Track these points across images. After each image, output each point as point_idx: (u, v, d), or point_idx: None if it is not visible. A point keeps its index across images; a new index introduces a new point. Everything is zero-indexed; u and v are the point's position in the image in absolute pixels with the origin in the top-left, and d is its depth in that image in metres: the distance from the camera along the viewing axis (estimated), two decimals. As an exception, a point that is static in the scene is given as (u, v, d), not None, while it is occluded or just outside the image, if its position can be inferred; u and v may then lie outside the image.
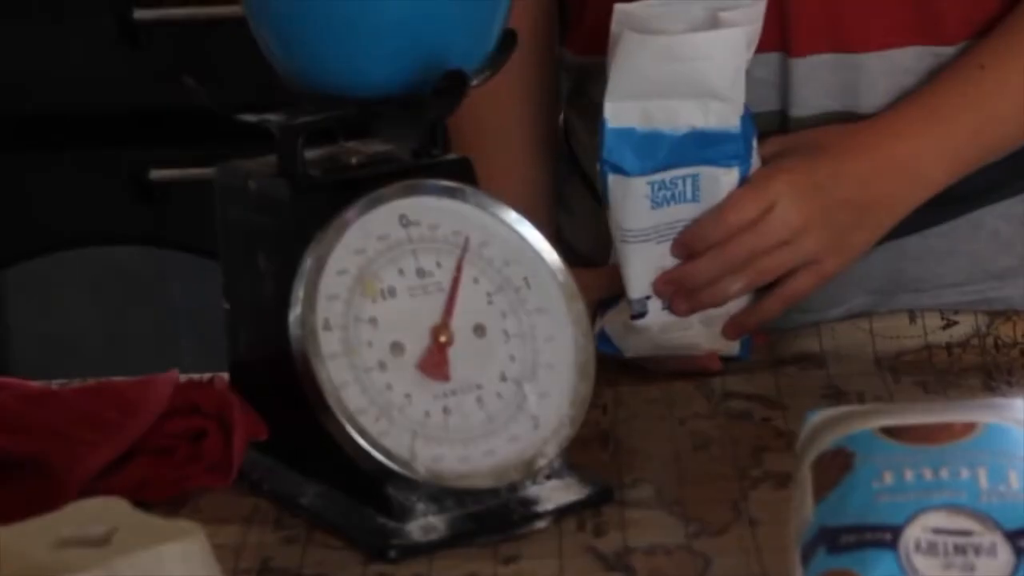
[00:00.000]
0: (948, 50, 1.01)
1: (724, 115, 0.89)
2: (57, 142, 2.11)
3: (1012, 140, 1.00)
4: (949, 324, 1.01)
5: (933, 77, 0.99)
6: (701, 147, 0.88)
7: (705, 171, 0.87)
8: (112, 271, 2.26)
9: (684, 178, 0.88)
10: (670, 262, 0.90)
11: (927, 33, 1.00)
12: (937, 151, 0.98)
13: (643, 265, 0.90)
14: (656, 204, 0.88)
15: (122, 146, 2.08)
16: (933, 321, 1.01)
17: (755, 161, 0.90)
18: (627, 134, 0.88)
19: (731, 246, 0.89)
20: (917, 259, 1.02)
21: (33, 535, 0.60)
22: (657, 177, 0.87)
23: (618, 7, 0.89)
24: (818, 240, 0.91)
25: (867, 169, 0.95)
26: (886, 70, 1.01)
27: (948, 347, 1.00)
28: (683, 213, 0.89)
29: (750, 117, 0.90)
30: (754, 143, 0.90)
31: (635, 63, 0.89)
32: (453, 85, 0.74)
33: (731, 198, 0.88)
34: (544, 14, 1.10)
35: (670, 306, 0.90)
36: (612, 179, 0.88)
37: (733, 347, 0.94)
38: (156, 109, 1.99)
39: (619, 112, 0.88)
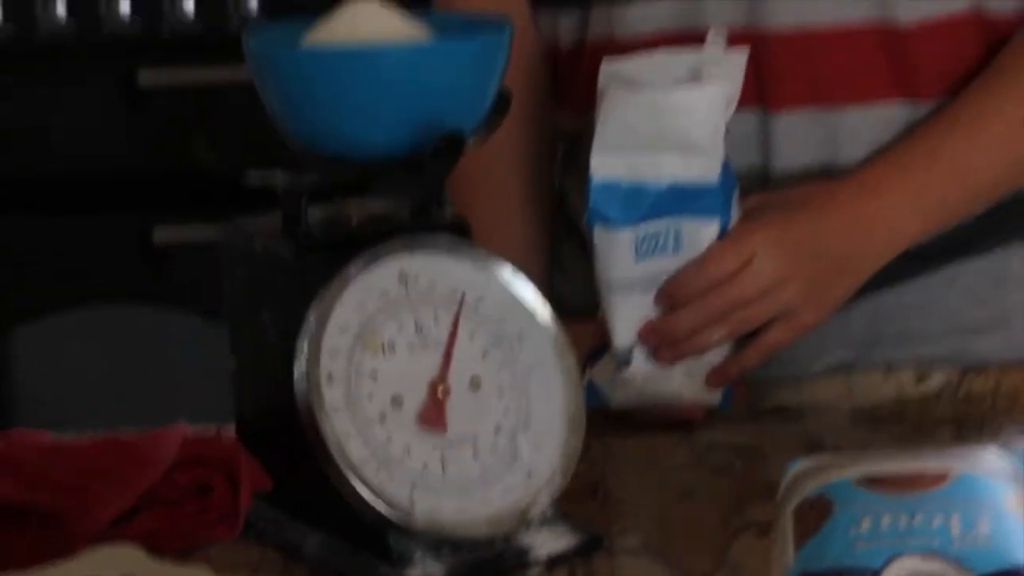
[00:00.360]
0: (926, 103, 1.03)
1: (705, 169, 0.90)
2: (62, 203, 2.12)
3: (985, 197, 1.02)
4: (923, 378, 1.02)
5: (909, 132, 1.02)
6: (683, 200, 0.89)
7: (687, 223, 0.89)
8: (117, 329, 2.27)
9: (667, 230, 0.89)
10: (654, 312, 0.91)
11: (905, 86, 1.02)
12: (911, 207, 0.99)
13: (628, 315, 0.91)
14: (640, 255, 0.89)
15: (126, 207, 2.08)
16: (907, 375, 1.02)
17: (735, 214, 0.91)
18: (612, 187, 0.89)
19: (711, 297, 0.90)
20: (893, 314, 1.04)
21: (60, 573, 0.66)
22: (641, 229, 0.89)
23: (605, 65, 0.92)
24: (796, 292, 0.92)
25: (843, 224, 0.97)
26: (866, 124, 1.03)
27: (922, 400, 1.01)
28: (666, 264, 0.89)
29: (730, 171, 0.91)
30: (735, 197, 0.92)
31: (620, 117, 0.90)
32: (450, 146, 0.75)
33: (712, 250, 0.90)
34: (537, 77, 1.13)
35: (654, 355, 0.91)
36: (598, 230, 0.89)
37: (715, 397, 0.95)
38: (160, 171, 2.02)
39: (605, 164, 0.89)
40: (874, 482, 0.64)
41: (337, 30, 0.77)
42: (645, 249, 0.90)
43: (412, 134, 0.75)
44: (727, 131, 0.92)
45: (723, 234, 0.91)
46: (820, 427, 0.97)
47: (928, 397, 1.03)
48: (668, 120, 0.90)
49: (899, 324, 1.05)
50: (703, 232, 0.89)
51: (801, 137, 1.02)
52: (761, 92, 1.01)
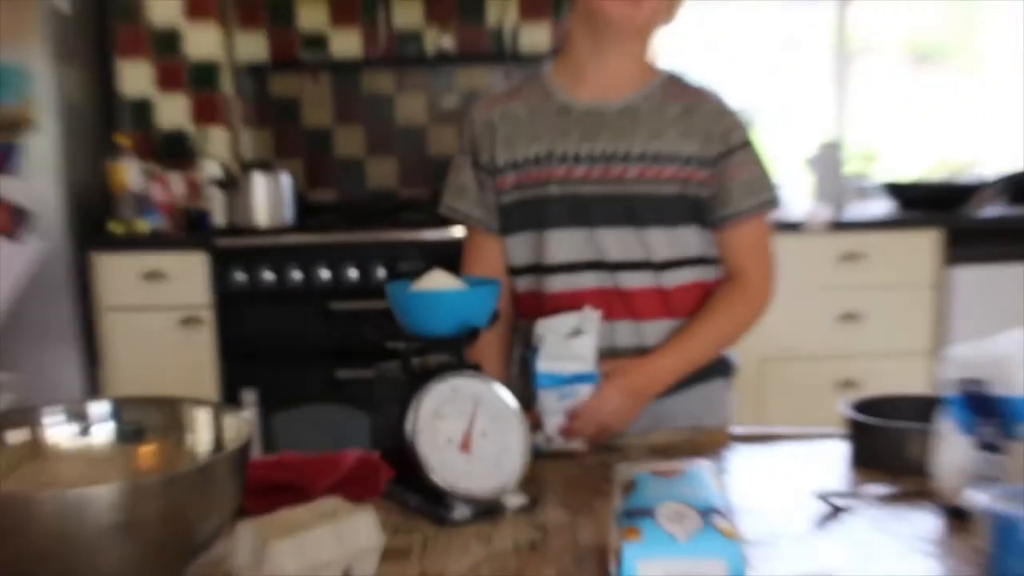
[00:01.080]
0: (678, 317, 1.49)
1: (585, 366, 1.35)
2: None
3: (707, 361, 1.51)
4: (660, 438, 1.41)
5: (670, 337, 1.48)
6: (578, 379, 1.36)
7: (579, 387, 1.35)
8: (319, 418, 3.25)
9: (571, 390, 1.35)
10: (562, 420, 1.36)
11: (668, 311, 1.51)
12: (673, 371, 1.46)
13: (550, 422, 1.36)
14: (559, 400, 1.36)
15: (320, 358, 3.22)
16: (667, 434, 1.42)
17: (599, 379, 1.36)
18: (547, 375, 1.36)
19: (592, 415, 1.35)
20: (665, 409, 1.49)
21: (303, 510, 0.94)
22: (559, 391, 1.35)
23: (538, 323, 1.38)
24: (626, 413, 1.39)
25: (646, 380, 1.43)
26: (655, 329, 1.50)
27: (671, 445, 1.39)
28: (569, 402, 1.36)
29: (597, 364, 1.36)
30: (599, 375, 1.37)
31: (549, 347, 1.35)
32: (472, 334, 1.17)
33: (594, 398, 1.36)
34: (508, 304, 1.56)
35: (563, 434, 1.36)
36: (540, 390, 1.36)
37: (584, 447, 1.37)
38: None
39: (543, 367, 1.35)
40: (654, 473, 0.99)
41: (424, 283, 1.19)
42: (560, 397, 1.36)
43: (455, 328, 1.16)
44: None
45: (594, 389, 1.36)
46: (634, 455, 1.35)
47: (672, 443, 1.39)
48: (569, 352, 1.34)
49: (662, 415, 1.48)
50: (585, 391, 1.36)
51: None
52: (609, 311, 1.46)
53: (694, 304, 1.50)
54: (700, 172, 1.44)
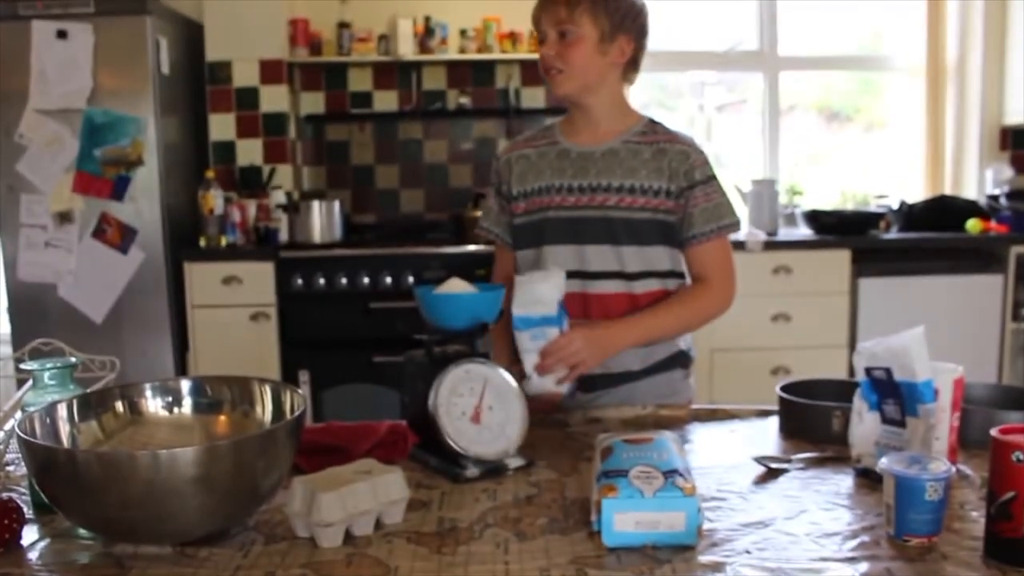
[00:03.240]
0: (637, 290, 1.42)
1: (550, 310, 1.28)
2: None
3: (665, 338, 1.46)
4: (637, 411, 1.38)
5: (636, 313, 1.42)
6: (545, 322, 1.28)
7: (547, 329, 1.29)
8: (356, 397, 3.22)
9: (540, 331, 1.29)
10: (538, 359, 1.29)
11: (632, 305, 1.44)
12: (631, 336, 1.41)
13: (528, 360, 1.29)
14: (532, 340, 1.29)
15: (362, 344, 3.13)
16: (635, 410, 1.39)
17: (566, 326, 1.30)
18: (520, 318, 1.29)
19: (559, 354, 1.29)
20: (634, 392, 1.46)
21: (345, 469, 0.96)
22: (531, 332, 1.29)
23: (517, 277, 1.31)
24: (588, 356, 1.32)
25: (609, 337, 1.37)
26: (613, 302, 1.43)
27: (639, 418, 1.36)
28: (541, 343, 1.29)
29: (563, 310, 1.30)
30: (565, 321, 1.30)
31: (522, 294, 1.29)
32: (482, 328, 1.16)
33: (559, 338, 1.29)
34: (509, 276, 1.46)
35: (539, 374, 1.29)
36: (516, 333, 1.30)
37: (565, 389, 1.32)
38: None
39: (518, 311, 1.29)
40: (627, 441, 1.00)
41: (445, 288, 1.18)
42: (532, 337, 1.29)
43: (469, 323, 1.16)
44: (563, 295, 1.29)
45: (562, 332, 1.29)
46: (611, 426, 1.33)
47: (642, 417, 1.37)
48: (536, 298, 1.28)
49: (634, 395, 1.46)
50: (552, 332, 1.29)
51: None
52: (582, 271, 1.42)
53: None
54: (668, 202, 1.42)
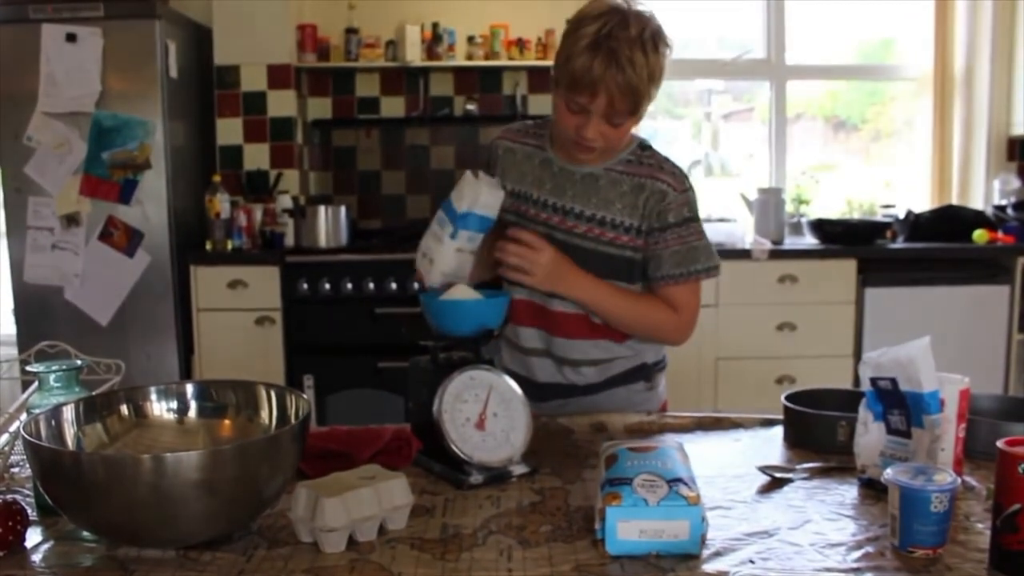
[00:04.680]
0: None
1: (489, 215, 1.24)
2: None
3: (608, 318, 1.38)
4: (651, 417, 1.36)
5: (597, 332, 1.39)
6: (480, 226, 1.24)
7: (477, 235, 1.25)
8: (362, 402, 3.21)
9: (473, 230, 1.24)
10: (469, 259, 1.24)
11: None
12: (586, 294, 1.36)
13: (447, 252, 1.24)
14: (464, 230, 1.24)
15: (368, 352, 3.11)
16: (643, 416, 1.37)
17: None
18: (464, 213, 1.23)
19: (523, 251, 1.27)
20: (592, 405, 1.43)
21: (349, 474, 0.95)
22: (464, 226, 1.24)
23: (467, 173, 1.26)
24: (543, 274, 1.30)
25: (570, 275, 1.33)
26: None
27: (652, 426, 1.35)
28: (469, 247, 1.24)
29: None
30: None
31: (467, 191, 1.24)
32: (488, 334, 1.16)
33: (534, 237, 1.29)
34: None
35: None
36: (449, 220, 1.25)
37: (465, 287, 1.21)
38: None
39: (462, 206, 1.23)
40: (632, 449, 0.98)
41: (450, 294, 1.18)
42: (466, 228, 1.24)
43: (475, 330, 1.15)
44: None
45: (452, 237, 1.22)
46: (616, 434, 1.31)
47: (646, 425, 1.35)
48: (481, 195, 1.23)
49: (591, 407, 1.43)
50: (478, 237, 1.26)
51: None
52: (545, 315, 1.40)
53: (612, 330, 1.43)
54: (637, 240, 1.37)
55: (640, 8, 1.26)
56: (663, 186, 1.36)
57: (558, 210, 1.39)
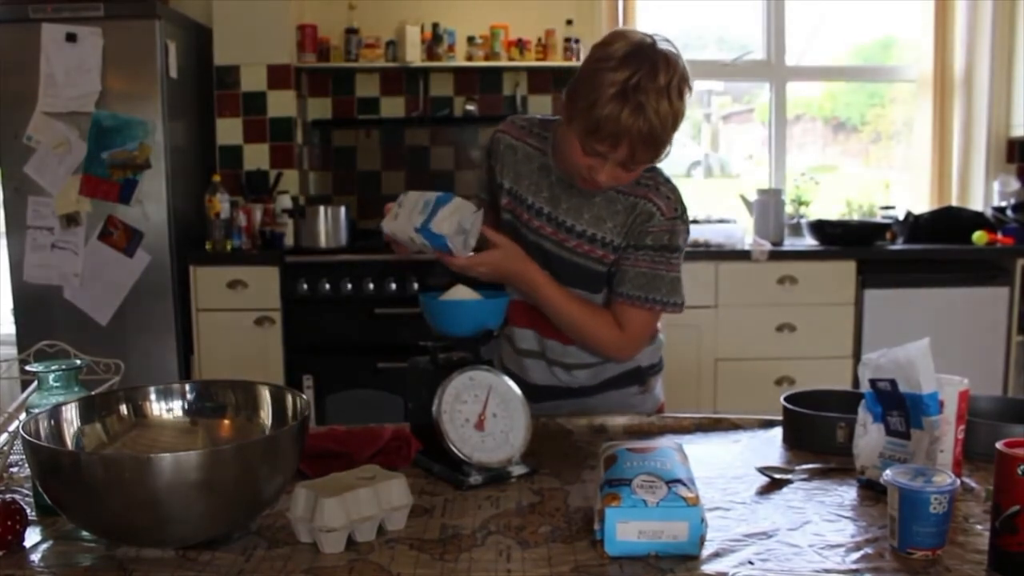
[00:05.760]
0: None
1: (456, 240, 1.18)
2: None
3: (553, 319, 1.36)
4: (650, 418, 1.37)
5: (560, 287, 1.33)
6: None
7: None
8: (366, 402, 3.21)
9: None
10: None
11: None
12: (536, 291, 1.33)
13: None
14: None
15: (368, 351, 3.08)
16: (643, 418, 1.36)
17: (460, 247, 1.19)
18: (436, 234, 1.19)
19: (464, 262, 1.22)
20: (585, 408, 1.43)
21: (348, 474, 0.95)
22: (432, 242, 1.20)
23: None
24: (498, 256, 1.27)
25: (520, 271, 1.31)
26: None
27: (651, 427, 1.35)
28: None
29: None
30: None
31: (444, 213, 1.18)
32: (487, 334, 1.16)
33: (496, 240, 1.25)
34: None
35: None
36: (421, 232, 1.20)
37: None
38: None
39: (435, 228, 1.19)
40: (631, 450, 0.98)
41: (450, 295, 1.17)
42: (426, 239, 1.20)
43: (475, 330, 1.15)
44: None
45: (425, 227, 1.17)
46: (615, 435, 1.32)
47: (645, 426, 1.35)
48: (458, 219, 1.19)
49: (584, 409, 1.43)
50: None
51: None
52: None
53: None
54: (614, 255, 1.36)
55: (666, 48, 1.20)
56: (652, 208, 1.33)
57: (551, 220, 1.37)
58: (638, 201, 1.34)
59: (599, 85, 1.17)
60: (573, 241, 1.36)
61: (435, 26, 3.55)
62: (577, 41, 3.53)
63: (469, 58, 3.58)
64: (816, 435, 1.23)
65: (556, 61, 3.58)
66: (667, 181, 1.36)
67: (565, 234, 1.36)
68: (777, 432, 1.32)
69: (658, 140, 1.19)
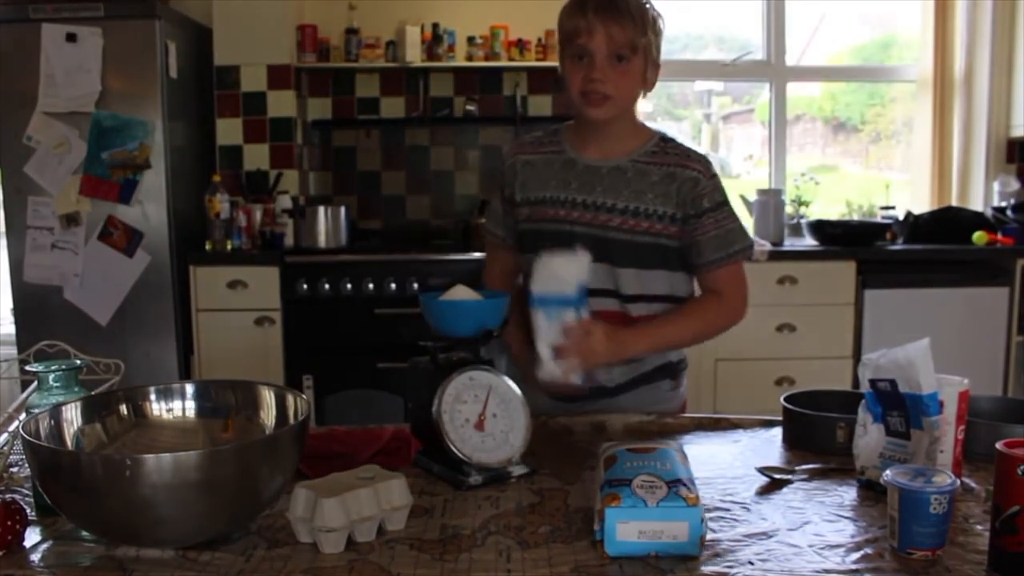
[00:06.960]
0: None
1: (569, 289, 1.24)
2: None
3: (677, 345, 1.46)
4: (650, 417, 1.38)
5: (651, 319, 1.38)
6: (563, 302, 1.24)
7: (565, 312, 1.25)
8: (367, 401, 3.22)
9: (556, 311, 1.25)
10: (552, 342, 1.24)
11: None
12: (647, 343, 1.39)
13: (543, 341, 1.25)
14: (547, 319, 1.25)
15: (369, 351, 3.12)
16: (637, 419, 1.37)
17: (586, 314, 1.24)
18: (536, 297, 1.26)
19: (576, 339, 1.24)
20: (629, 401, 1.45)
21: (348, 475, 0.95)
22: (547, 310, 1.25)
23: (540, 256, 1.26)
24: (604, 350, 1.28)
25: (625, 337, 1.35)
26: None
27: (641, 425, 1.36)
28: (557, 326, 1.24)
29: (585, 297, 1.25)
30: (585, 309, 1.24)
31: (542, 271, 1.26)
32: (487, 334, 1.15)
33: (583, 321, 1.24)
34: (515, 266, 1.52)
35: (556, 355, 1.24)
36: (532, 311, 1.26)
37: (576, 380, 1.26)
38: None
39: (537, 288, 1.25)
40: (631, 450, 0.98)
41: (450, 295, 1.16)
42: (548, 317, 1.25)
43: (475, 330, 1.14)
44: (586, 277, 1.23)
45: (576, 317, 1.23)
46: (615, 435, 1.32)
47: (645, 425, 1.37)
48: (554, 276, 1.24)
49: (618, 407, 1.44)
50: (569, 315, 1.25)
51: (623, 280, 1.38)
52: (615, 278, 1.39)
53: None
54: (672, 227, 1.39)
55: None
56: (694, 173, 1.38)
57: (589, 206, 1.39)
58: (675, 170, 1.38)
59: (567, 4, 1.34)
60: (617, 219, 1.38)
61: (435, 26, 3.55)
62: (577, 41, 3.51)
63: (469, 58, 3.58)
64: (816, 435, 1.23)
65: (556, 61, 3.57)
66: (689, 148, 1.43)
67: (607, 215, 1.38)
68: (777, 432, 1.32)
69: (632, 22, 1.29)
